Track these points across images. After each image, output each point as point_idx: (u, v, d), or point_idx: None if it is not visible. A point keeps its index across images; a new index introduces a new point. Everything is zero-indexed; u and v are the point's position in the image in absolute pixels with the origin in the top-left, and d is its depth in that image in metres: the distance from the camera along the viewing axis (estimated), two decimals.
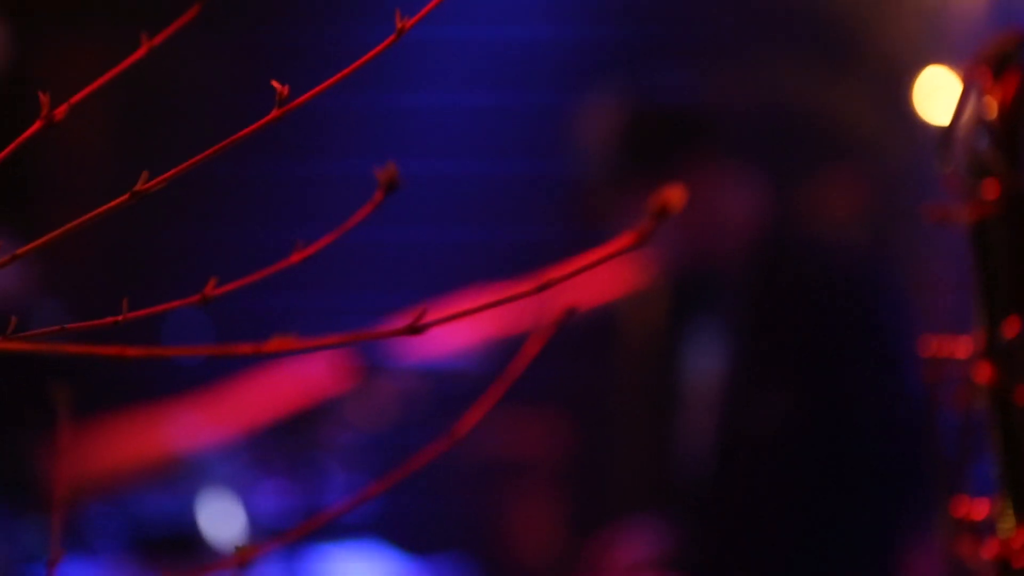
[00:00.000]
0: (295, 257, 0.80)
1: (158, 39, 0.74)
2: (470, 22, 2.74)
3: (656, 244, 2.24)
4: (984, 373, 1.03)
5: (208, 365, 2.50)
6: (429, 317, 0.70)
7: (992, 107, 1.03)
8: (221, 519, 2.43)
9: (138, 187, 0.65)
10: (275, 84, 0.70)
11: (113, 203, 0.65)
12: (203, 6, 0.72)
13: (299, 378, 2.39)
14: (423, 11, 0.74)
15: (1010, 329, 1.02)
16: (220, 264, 2.82)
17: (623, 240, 0.61)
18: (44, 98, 0.69)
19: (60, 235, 0.67)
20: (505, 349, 2.42)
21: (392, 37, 0.73)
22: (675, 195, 0.59)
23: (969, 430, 1.04)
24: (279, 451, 2.42)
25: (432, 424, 2.64)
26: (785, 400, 2.22)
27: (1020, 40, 1.04)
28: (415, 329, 0.66)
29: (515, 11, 2.84)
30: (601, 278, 2.42)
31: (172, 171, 0.67)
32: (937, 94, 2.49)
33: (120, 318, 0.72)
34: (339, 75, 0.71)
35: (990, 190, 1.03)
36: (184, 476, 2.42)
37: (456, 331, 2.43)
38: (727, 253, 2.27)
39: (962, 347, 1.04)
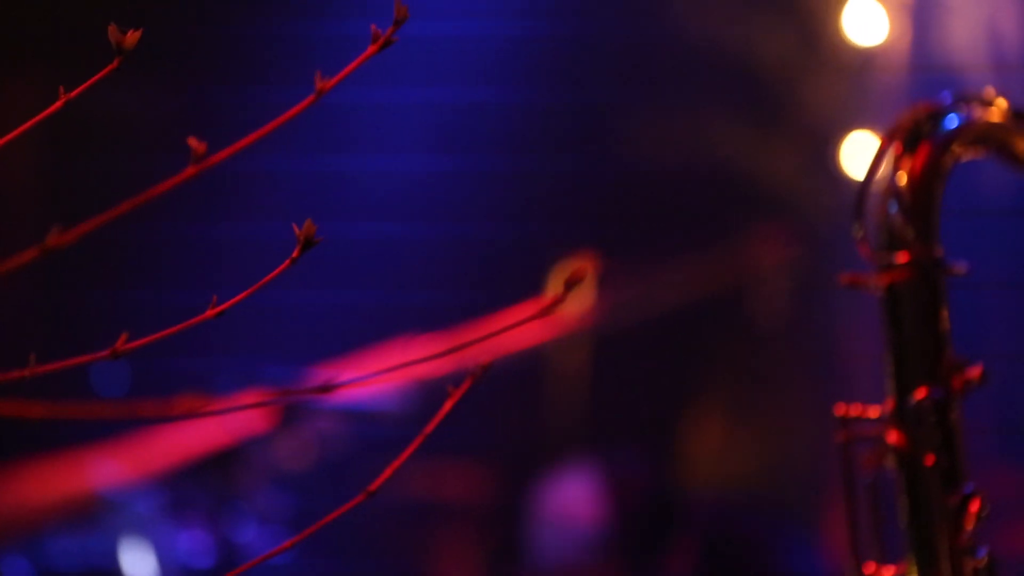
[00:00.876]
0: (210, 312, 0.80)
1: (75, 92, 0.74)
2: (403, 83, 2.76)
3: None
4: (893, 436, 1.05)
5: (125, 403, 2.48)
6: (344, 375, 0.70)
7: (902, 177, 1.06)
8: (138, 562, 2.41)
9: (49, 242, 0.65)
10: (192, 142, 0.70)
11: (24, 258, 0.65)
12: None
13: (219, 419, 2.38)
14: (343, 72, 0.75)
15: (919, 394, 1.04)
16: (143, 318, 2.80)
17: (539, 305, 0.62)
18: None
19: None
20: (426, 390, 2.43)
21: (311, 97, 0.74)
22: (584, 269, 0.60)
23: (878, 493, 1.06)
24: (197, 493, 2.40)
25: (352, 465, 2.63)
26: None
27: (932, 112, 1.06)
28: (326, 388, 0.67)
29: (453, 72, 2.85)
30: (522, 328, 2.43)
31: (84, 227, 0.67)
32: (861, 157, 2.53)
33: (27, 372, 0.72)
34: (253, 135, 0.71)
35: (900, 258, 1.05)
36: (101, 518, 2.40)
37: (378, 370, 2.43)
38: None
39: (874, 409, 1.06)
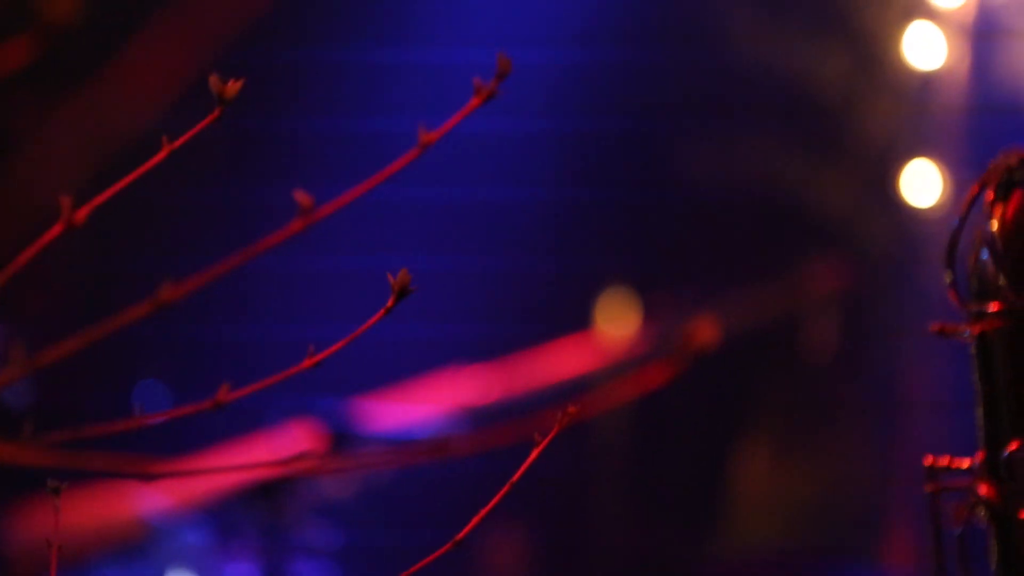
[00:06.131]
0: (307, 363, 0.79)
1: (178, 143, 0.74)
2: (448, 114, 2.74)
3: None
4: (984, 489, 1.03)
5: (177, 432, 2.48)
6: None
7: (995, 224, 1.04)
8: None
9: (162, 296, 0.64)
10: (299, 196, 0.69)
11: (139, 312, 0.64)
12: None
13: (268, 447, 2.37)
14: (444, 127, 0.74)
15: (1011, 447, 1.02)
16: (225, 358, 2.77)
17: (649, 376, 0.60)
18: (66, 201, 0.68)
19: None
20: (472, 418, 2.41)
21: (416, 151, 0.73)
22: (706, 333, 0.58)
23: (967, 546, 1.04)
24: (244, 523, 2.39)
25: (399, 494, 2.62)
26: None
27: None
28: (443, 451, 0.65)
29: (505, 103, 2.84)
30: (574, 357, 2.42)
31: (195, 280, 0.66)
32: (921, 185, 2.50)
33: (135, 423, 0.71)
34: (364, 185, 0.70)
35: (992, 307, 1.03)
36: (149, 546, 2.39)
37: (424, 399, 2.43)
38: None
39: (964, 461, 1.04)
